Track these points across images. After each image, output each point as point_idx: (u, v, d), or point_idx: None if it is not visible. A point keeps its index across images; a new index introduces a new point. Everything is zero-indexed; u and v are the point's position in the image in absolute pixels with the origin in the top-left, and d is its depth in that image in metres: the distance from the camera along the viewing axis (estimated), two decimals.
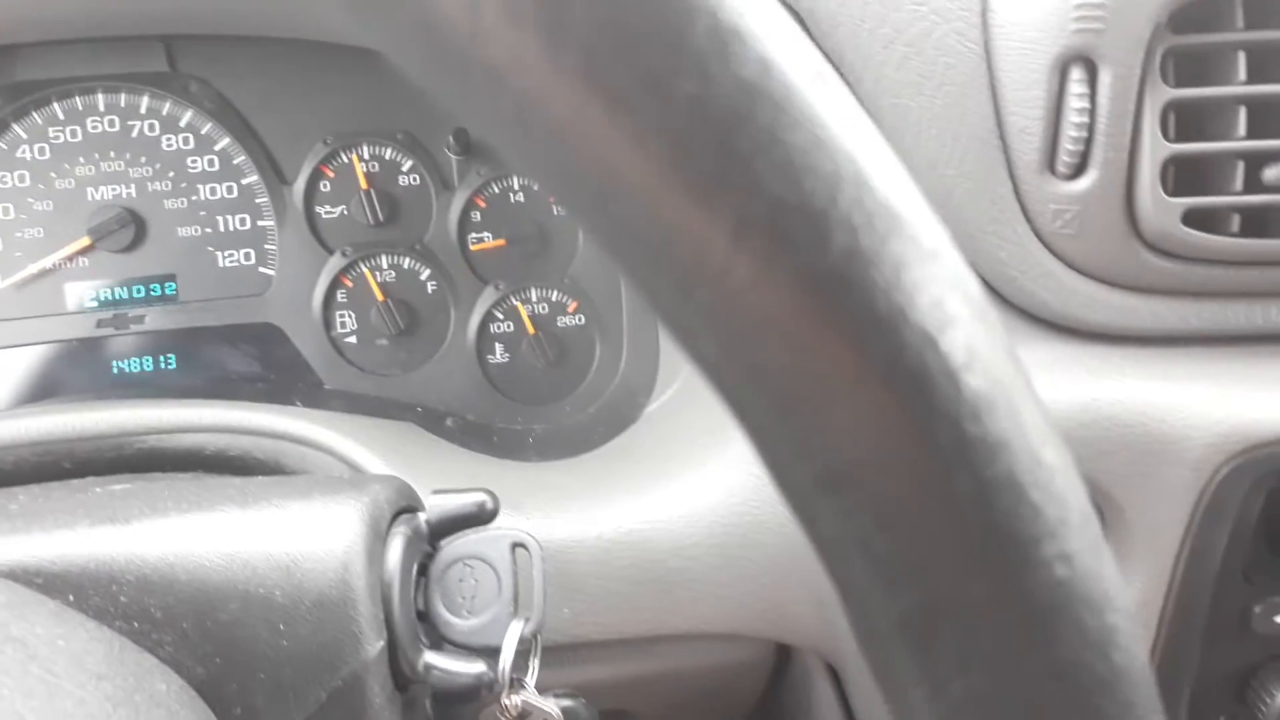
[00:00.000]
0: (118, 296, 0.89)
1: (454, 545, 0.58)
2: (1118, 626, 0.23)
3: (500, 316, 0.92)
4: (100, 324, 0.89)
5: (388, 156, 0.91)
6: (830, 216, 0.21)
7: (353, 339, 0.91)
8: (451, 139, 0.88)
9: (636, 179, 0.20)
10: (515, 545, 0.58)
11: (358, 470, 0.70)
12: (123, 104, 0.89)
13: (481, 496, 0.58)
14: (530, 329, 0.92)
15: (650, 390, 0.85)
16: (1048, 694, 0.22)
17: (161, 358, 0.90)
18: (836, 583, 0.23)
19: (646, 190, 0.20)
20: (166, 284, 0.90)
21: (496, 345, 0.92)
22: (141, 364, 0.90)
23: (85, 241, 0.88)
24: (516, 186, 0.92)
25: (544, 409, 0.92)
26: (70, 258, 0.88)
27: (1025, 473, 0.22)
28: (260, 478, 0.59)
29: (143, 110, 0.89)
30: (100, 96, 0.88)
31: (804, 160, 0.21)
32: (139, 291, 0.89)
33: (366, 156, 0.90)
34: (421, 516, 0.57)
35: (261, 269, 0.90)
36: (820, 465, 0.22)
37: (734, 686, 0.78)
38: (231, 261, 0.90)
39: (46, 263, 0.88)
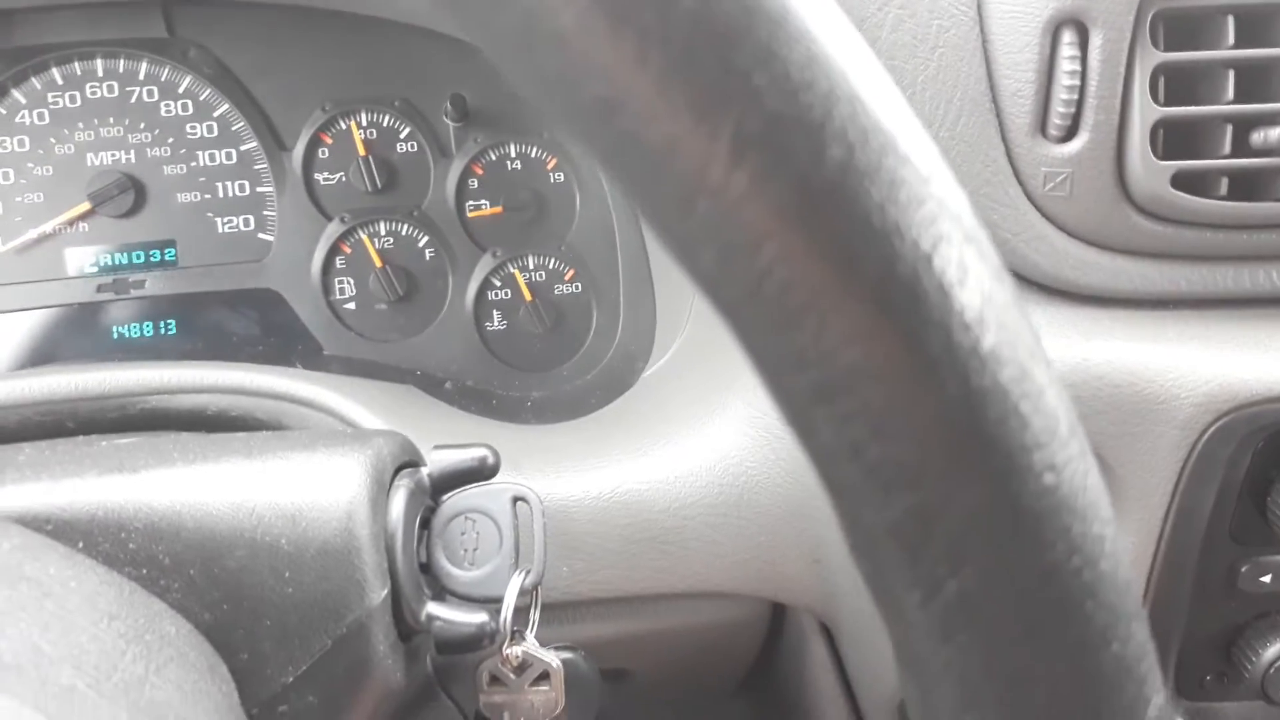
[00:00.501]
0: (117, 262, 0.90)
1: (456, 499, 0.59)
2: (1104, 535, 0.24)
3: (498, 284, 0.93)
4: (100, 289, 0.89)
5: (386, 124, 0.91)
6: (826, 131, 0.21)
7: (351, 305, 0.92)
8: (449, 105, 0.89)
9: (639, 92, 0.21)
10: (516, 499, 0.59)
11: None
12: (121, 69, 0.89)
13: (483, 451, 0.59)
14: (527, 296, 0.93)
15: (647, 355, 0.86)
16: (1037, 598, 0.24)
17: (161, 323, 0.90)
18: (832, 492, 0.24)
19: (649, 104, 0.21)
20: (166, 249, 0.90)
21: (494, 312, 0.93)
22: (141, 329, 0.90)
23: (85, 206, 0.88)
24: (514, 154, 0.93)
25: (541, 375, 0.93)
26: (70, 223, 0.89)
27: (1014, 384, 0.23)
28: (265, 432, 0.60)
29: (141, 76, 0.89)
30: (99, 62, 0.89)
31: (801, 76, 0.21)
32: (138, 257, 0.90)
33: (365, 123, 0.91)
34: (424, 470, 0.58)
35: (261, 235, 0.91)
36: (817, 375, 0.23)
37: (730, 645, 0.79)
38: (231, 227, 0.91)
39: (47, 228, 0.88)
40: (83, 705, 0.35)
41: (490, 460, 0.59)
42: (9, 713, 0.32)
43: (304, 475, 0.52)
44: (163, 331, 0.91)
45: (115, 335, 0.90)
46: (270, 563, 0.50)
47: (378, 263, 0.91)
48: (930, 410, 0.22)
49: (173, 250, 0.90)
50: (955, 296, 0.22)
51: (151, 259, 0.90)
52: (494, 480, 0.60)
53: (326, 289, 0.91)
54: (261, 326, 0.91)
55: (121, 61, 0.89)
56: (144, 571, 0.49)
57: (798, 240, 0.22)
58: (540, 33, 0.21)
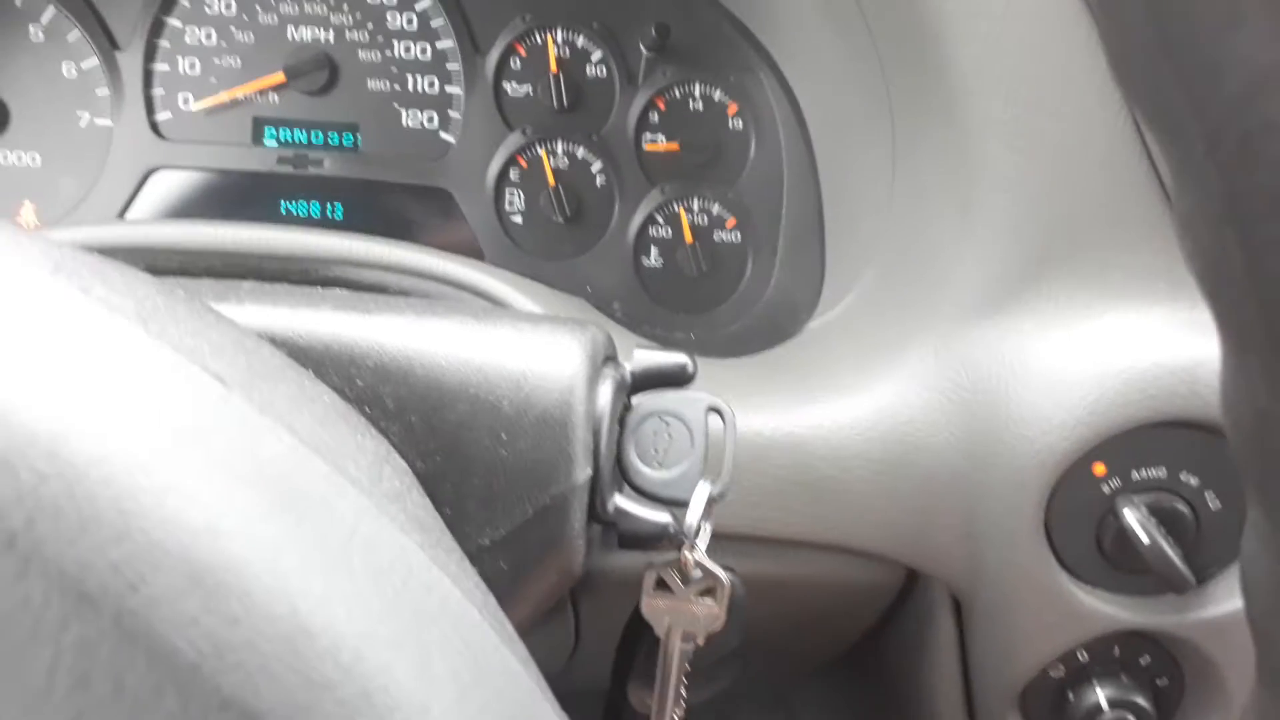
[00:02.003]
0: (300, 139, 0.91)
1: (652, 398, 0.59)
2: None
3: (661, 220, 0.93)
4: (280, 161, 0.90)
5: (580, 44, 0.92)
6: None
7: (519, 218, 0.92)
8: (653, 31, 0.89)
9: None
10: (710, 409, 0.59)
11: None
12: None
13: (684, 358, 0.59)
14: (688, 238, 0.92)
15: (813, 307, 0.86)
16: None
17: (330, 204, 0.91)
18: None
19: None
20: (348, 133, 0.91)
21: (653, 248, 0.93)
22: (309, 208, 0.91)
23: (279, 77, 0.89)
24: (698, 94, 0.93)
25: (689, 317, 0.93)
26: (262, 91, 0.90)
27: None
28: (486, 303, 0.60)
29: None
30: None
31: None
32: (319, 137, 0.91)
33: (560, 40, 0.91)
34: (626, 366, 0.59)
35: (443, 134, 0.92)
36: None
37: (855, 607, 0.79)
38: (414, 122, 0.92)
39: (239, 93, 0.90)
40: (371, 497, 0.35)
41: (690, 368, 0.59)
42: (324, 477, 0.32)
43: (530, 344, 0.53)
44: (329, 214, 0.92)
45: (283, 210, 0.91)
46: (489, 422, 0.51)
47: (551, 181, 0.91)
48: None
49: (351, 135, 0.91)
50: None
51: (331, 142, 0.91)
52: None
53: (498, 198, 0.92)
54: (428, 225, 0.92)
55: None
56: (367, 410, 0.50)
57: None
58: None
